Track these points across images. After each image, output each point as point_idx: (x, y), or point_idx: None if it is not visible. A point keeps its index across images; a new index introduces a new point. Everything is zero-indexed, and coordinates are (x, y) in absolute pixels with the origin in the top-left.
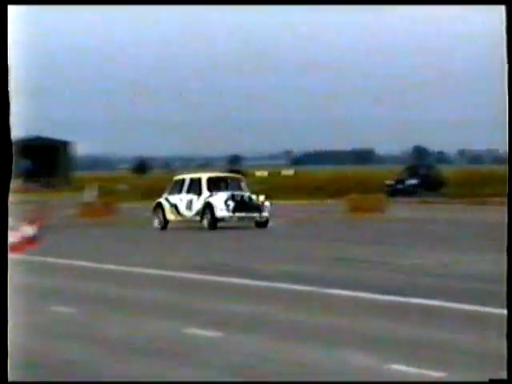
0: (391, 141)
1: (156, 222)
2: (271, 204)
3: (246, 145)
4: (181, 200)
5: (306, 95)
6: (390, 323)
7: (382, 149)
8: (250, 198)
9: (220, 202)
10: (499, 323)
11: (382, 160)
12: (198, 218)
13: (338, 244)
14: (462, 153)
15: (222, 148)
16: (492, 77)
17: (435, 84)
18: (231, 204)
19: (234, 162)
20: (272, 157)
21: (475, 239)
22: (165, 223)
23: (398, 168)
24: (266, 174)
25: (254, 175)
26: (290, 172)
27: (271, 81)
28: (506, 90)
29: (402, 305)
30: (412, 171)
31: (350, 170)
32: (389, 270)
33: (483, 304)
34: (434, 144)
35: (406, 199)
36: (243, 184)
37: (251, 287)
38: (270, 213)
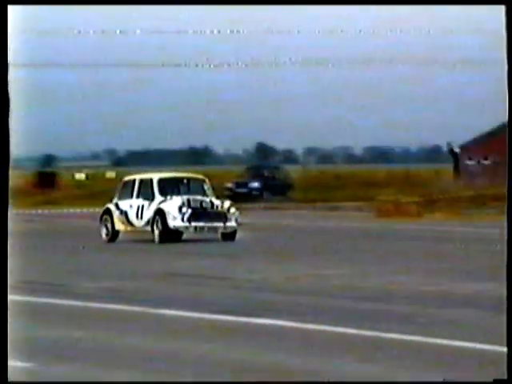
0: (233, 139)
1: (103, 233)
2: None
3: (62, 142)
4: (131, 206)
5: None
6: (217, 346)
7: (220, 147)
8: (212, 204)
9: (173, 208)
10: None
11: (220, 160)
12: (149, 228)
13: (177, 257)
14: (311, 151)
15: (34, 147)
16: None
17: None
18: (187, 211)
19: (47, 163)
20: (94, 156)
21: (323, 251)
22: (113, 234)
23: (240, 169)
24: (83, 176)
25: (73, 178)
26: (112, 174)
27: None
28: (506, 90)
29: (239, 325)
30: (255, 172)
31: (182, 170)
32: (229, 286)
33: (316, 321)
34: (281, 141)
35: (249, 204)
36: (207, 186)
37: (66, 307)
38: (238, 222)
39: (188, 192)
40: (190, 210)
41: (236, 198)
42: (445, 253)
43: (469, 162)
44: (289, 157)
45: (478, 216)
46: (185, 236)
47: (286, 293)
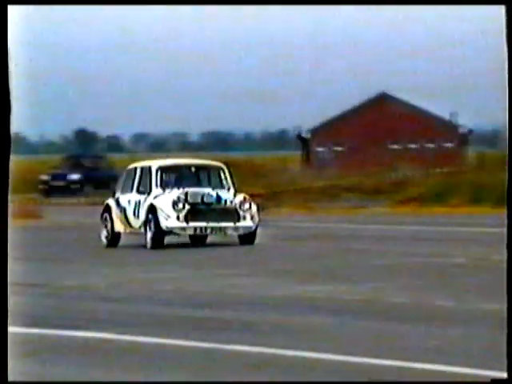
0: (49, 124)
1: (103, 235)
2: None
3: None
4: (129, 202)
5: None
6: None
7: (33, 133)
8: (218, 199)
9: (166, 204)
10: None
11: (33, 148)
12: (142, 230)
13: None
14: (139, 137)
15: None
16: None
17: None
18: (183, 208)
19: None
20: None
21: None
22: (113, 237)
23: (57, 158)
24: None
25: None
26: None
27: None
28: (507, 90)
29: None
30: (74, 162)
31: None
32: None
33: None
34: (104, 127)
35: (68, 199)
36: (224, 176)
37: None
38: (256, 220)
39: (198, 183)
40: (187, 207)
41: (52, 192)
42: (292, 252)
43: (319, 149)
44: (114, 144)
45: (330, 209)
46: (184, 239)
47: (109, 301)
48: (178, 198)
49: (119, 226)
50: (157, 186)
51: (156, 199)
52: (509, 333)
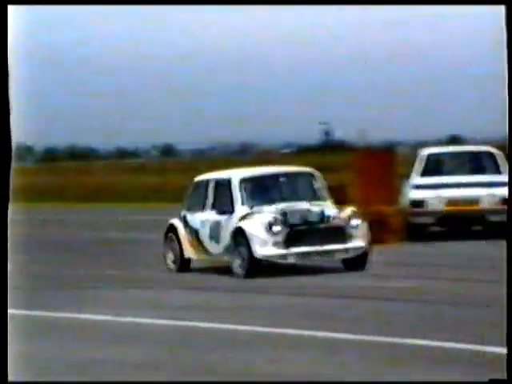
0: None
1: (169, 259)
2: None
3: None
4: (203, 223)
5: None
6: None
7: None
8: (322, 215)
9: (260, 228)
10: None
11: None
12: (226, 257)
13: None
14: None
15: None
16: None
17: None
18: (281, 231)
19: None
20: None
21: None
22: (182, 263)
23: None
24: None
25: None
26: None
27: None
28: (507, 90)
29: None
30: None
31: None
32: None
33: None
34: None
35: None
36: (317, 185)
37: None
38: (366, 240)
39: (290, 197)
40: (285, 229)
41: None
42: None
43: None
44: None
45: None
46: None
47: None
48: (275, 219)
49: (190, 252)
50: (243, 203)
51: (244, 221)
52: (508, 332)
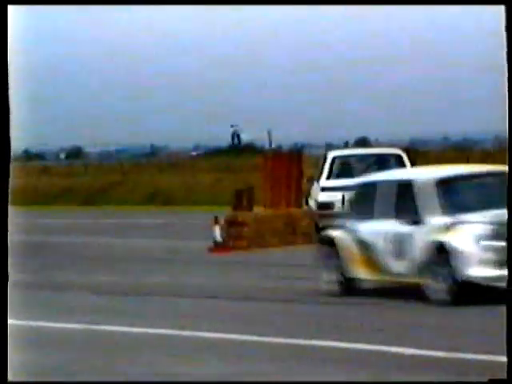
0: None
1: (326, 278)
2: None
3: None
4: (379, 235)
5: None
6: None
7: None
8: None
9: (469, 243)
10: None
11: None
12: (417, 278)
13: None
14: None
15: None
16: None
17: None
18: (496, 247)
19: None
20: None
21: None
22: (347, 285)
23: None
24: None
25: None
26: None
27: None
28: (507, 90)
29: None
30: None
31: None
32: None
33: None
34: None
35: None
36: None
37: None
38: None
39: (495, 203)
40: (501, 245)
41: None
42: None
43: None
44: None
45: None
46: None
47: None
48: (490, 231)
49: (361, 270)
50: (440, 210)
51: (446, 234)
52: (508, 334)
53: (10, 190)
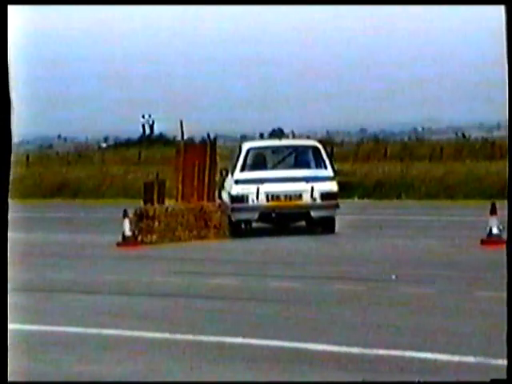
0: None
1: None
2: None
3: None
4: None
5: None
6: None
7: None
8: None
9: None
10: None
11: None
12: None
13: None
14: None
15: None
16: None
17: None
18: None
19: None
20: None
21: None
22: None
23: None
24: None
25: None
26: None
27: None
28: (507, 90)
29: None
30: None
31: None
32: None
33: None
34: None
35: None
36: None
37: None
38: None
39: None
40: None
41: None
42: None
43: None
44: None
45: None
46: None
47: None
48: None
49: None
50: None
51: None
52: (508, 333)
53: None
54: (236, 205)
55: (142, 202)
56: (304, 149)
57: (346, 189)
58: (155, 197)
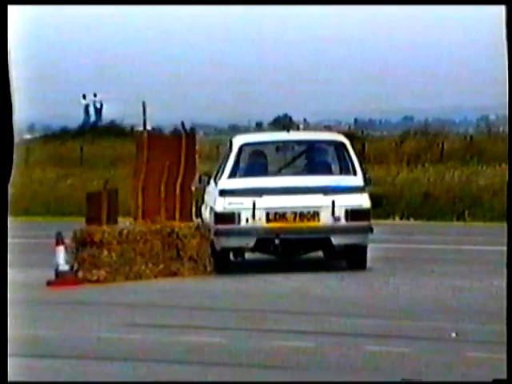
0: None
1: None
2: None
3: None
4: None
5: None
6: None
7: None
8: None
9: None
10: None
11: None
12: None
13: None
14: None
15: None
16: None
17: None
18: None
19: None
20: None
21: None
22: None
23: None
24: None
25: None
26: None
27: None
28: (507, 90)
29: None
30: None
31: None
32: None
33: None
34: None
35: None
36: None
37: None
38: None
39: None
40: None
41: None
42: None
43: None
44: None
45: None
46: None
47: None
48: None
49: None
50: None
51: None
52: (508, 333)
53: None
54: (222, 226)
55: (84, 221)
56: (322, 145)
57: (383, 204)
58: (103, 214)
